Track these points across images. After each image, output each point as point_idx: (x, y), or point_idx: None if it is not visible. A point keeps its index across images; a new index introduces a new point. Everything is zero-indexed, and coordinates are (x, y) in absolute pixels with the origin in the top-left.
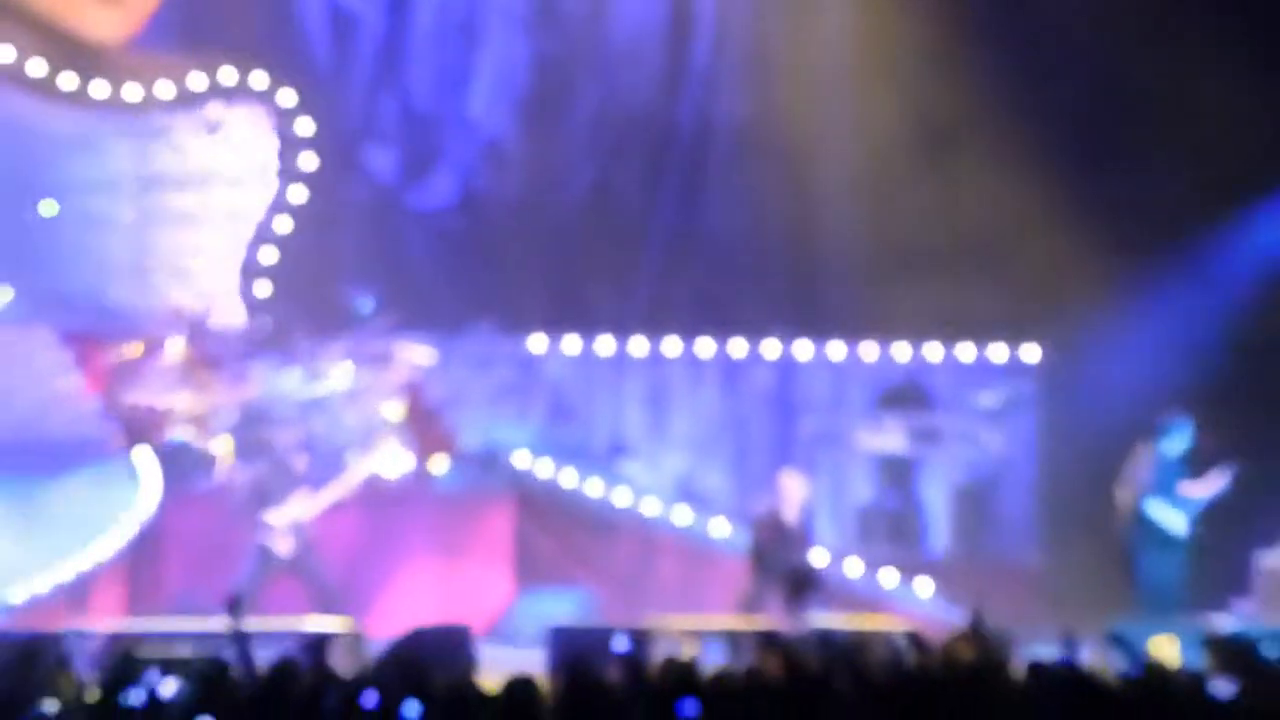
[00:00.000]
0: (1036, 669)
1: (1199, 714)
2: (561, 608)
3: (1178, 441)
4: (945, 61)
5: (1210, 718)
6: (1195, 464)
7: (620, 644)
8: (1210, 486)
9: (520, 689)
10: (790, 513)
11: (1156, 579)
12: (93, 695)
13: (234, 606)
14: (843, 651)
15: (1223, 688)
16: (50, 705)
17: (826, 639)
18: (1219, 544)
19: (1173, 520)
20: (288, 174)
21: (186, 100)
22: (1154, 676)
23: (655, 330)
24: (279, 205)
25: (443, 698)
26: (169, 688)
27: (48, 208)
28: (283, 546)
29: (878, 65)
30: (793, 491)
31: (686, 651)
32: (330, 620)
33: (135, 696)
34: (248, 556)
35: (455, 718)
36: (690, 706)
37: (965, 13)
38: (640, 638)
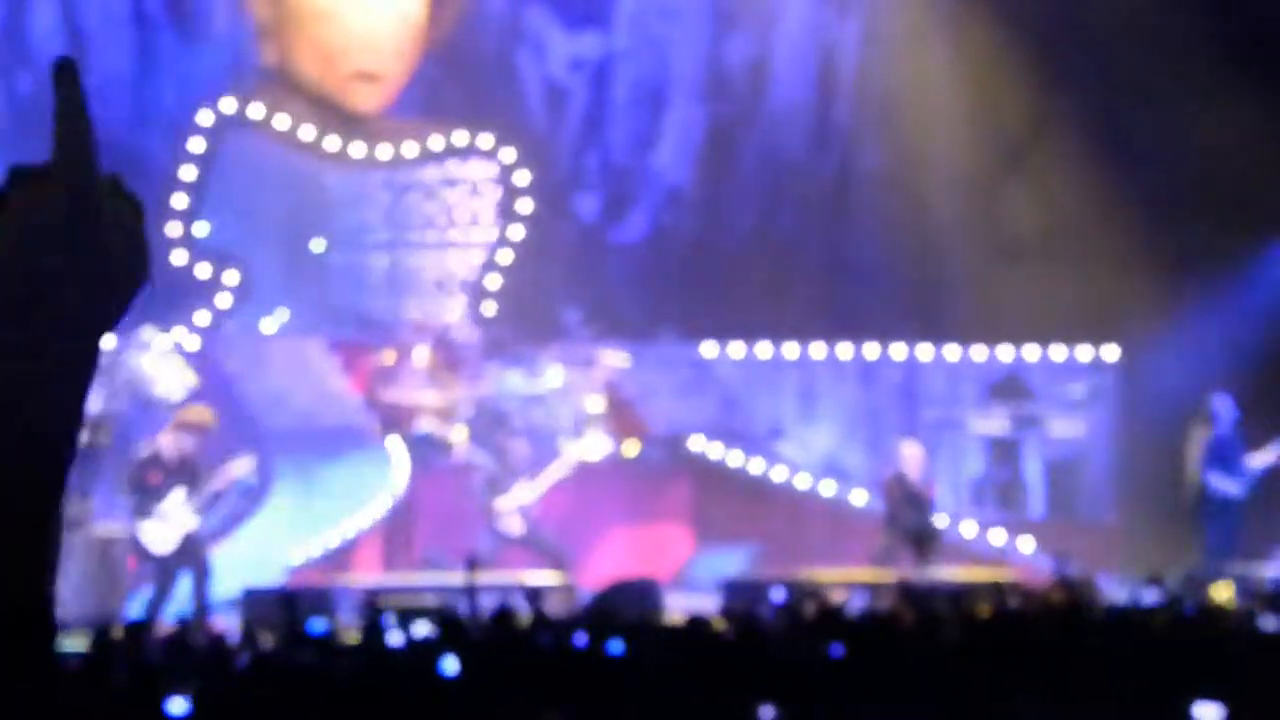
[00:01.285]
0: (1114, 611)
1: (1248, 644)
2: (731, 562)
3: (1225, 418)
4: (1031, 86)
5: (1258, 647)
6: (1252, 437)
7: (778, 595)
8: (1270, 456)
9: (698, 625)
10: (911, 474)
11: (1215, 538)
12: (354, 637)
13: (471, 566)
14: (958, 597)
15: (1269, 622)
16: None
17: (946, 588)
18: (1264, 503)
19: (1228, 487)
20: (508, 216)
21: (427, 157)
22: (1213, 615)
23: (805, 337)
24: (502, 241)
25: (637, 633)
26: (421, 629)
27: (317, 245)
28: (514, 527)
29: (977, 99)
30: (911, 456)
31: (834, 598)
32: (548, 575)
33: (393, 637)
34: (484, 532)
35: (647, 649)
36: (837, 649)
37: (1046, 61)
38: (795, 587)
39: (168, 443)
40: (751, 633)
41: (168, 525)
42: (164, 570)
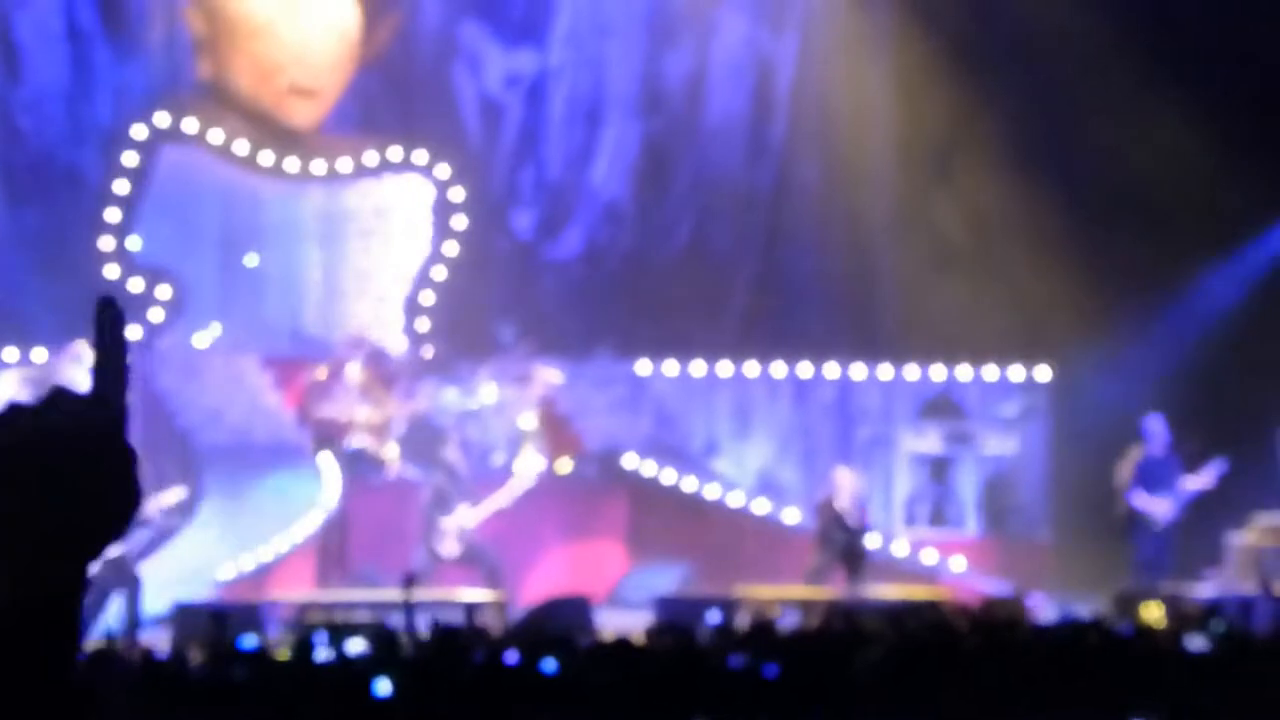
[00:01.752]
0: (1047, 628)
1: (1177, 664)
2: (665, 580)
3: (1157, 439)
4: (964, 102)
5: (1186, 666)
6: (1185, 460)
7: (713, 616)
8: (1205, 479)
9: (628, 643)
10: (843, 500)
11: (1144, 557)
12: (284, 654)
13: (408, 583)
14: (889, 615)
15: (1194, 643)
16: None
17: (877, 605)
18: (1196, 524)
19: (1156, 507)
20: (443, 232)
21: (362, 173)
22: (1143, 634)
23: (739, 355)
24: (436, 257)
25: (569, 651)
26: (355, 646)
27: (251, 260)
28: (450, 549)
29: (911, 115)
30: (845, 482)
31: (767, 614)
32: (481, 592)
33: (323, 654)
34: (421, 549)
35: (579, 666)
36: (771, 667)
37: (980, 79)
38: (729, 604)
39: None
40: (685, 649)
41: None
42: (94, 589)
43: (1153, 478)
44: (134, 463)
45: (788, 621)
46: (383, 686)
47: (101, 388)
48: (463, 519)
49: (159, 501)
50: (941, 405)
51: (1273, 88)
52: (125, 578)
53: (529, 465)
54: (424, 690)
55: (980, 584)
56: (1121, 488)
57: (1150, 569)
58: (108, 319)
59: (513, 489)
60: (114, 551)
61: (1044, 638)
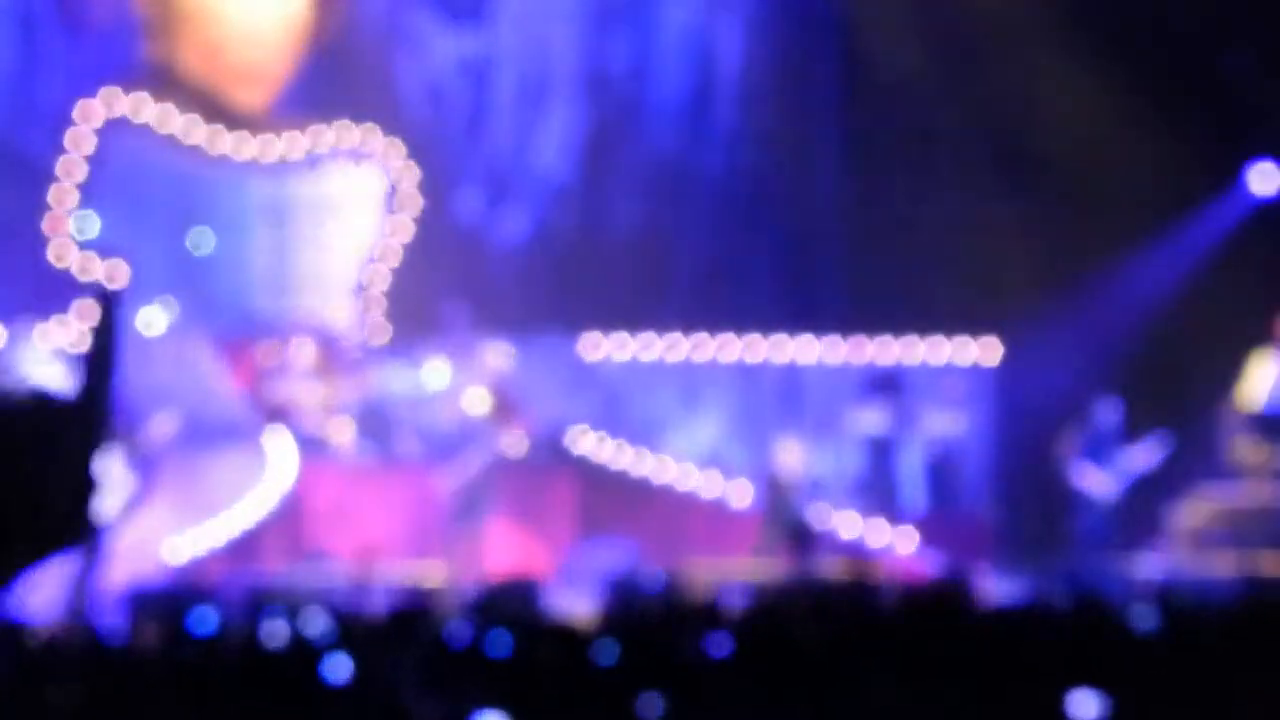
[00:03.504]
0: (996, 608)
1: (1123, 639)
2: (613, 560)
3: (1104, 417)
4: (913, 98)
5: (1132, 643)
6: (1130, 436)
7: (657, 583)
8: (1148, 455)
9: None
10: (788, 473)
11: (1084, 531)
12: (239, 634)
13: (363, 561)
14: (835, 592)
15: (1141, 617)
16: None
17: (824, 583)
18: (1137, 499)
19: (1098, 481)
20: (392, 212)
21: (311, 155)
22: (1089, 608)
23: (687, 333)
24: (385, 239)
25: (522, 631)
26: (313, 627)
27: (200, 236)
28: None
29: (861, 109)
30: (791, 458)
31: (711, 591)
32: (433, 570)
33: (278, 635)
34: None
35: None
36: (719, 641)
37: (927, 59)
38: (675, 580)
39: None
40: (631, 627)
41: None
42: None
43: (1096, 453)
44: (85, 462)
45: (735, 599)
46: (340, 669)
47: (88, 378)
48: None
49: (158, 426)
50: (887, 384)
51: (1210, 68)
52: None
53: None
54: (380, 671)
55: (926, 563)
56: (1064, 461)
57: (1091, 543)
58: (104, 312)
59: (468, 469)
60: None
61: (990, 614)
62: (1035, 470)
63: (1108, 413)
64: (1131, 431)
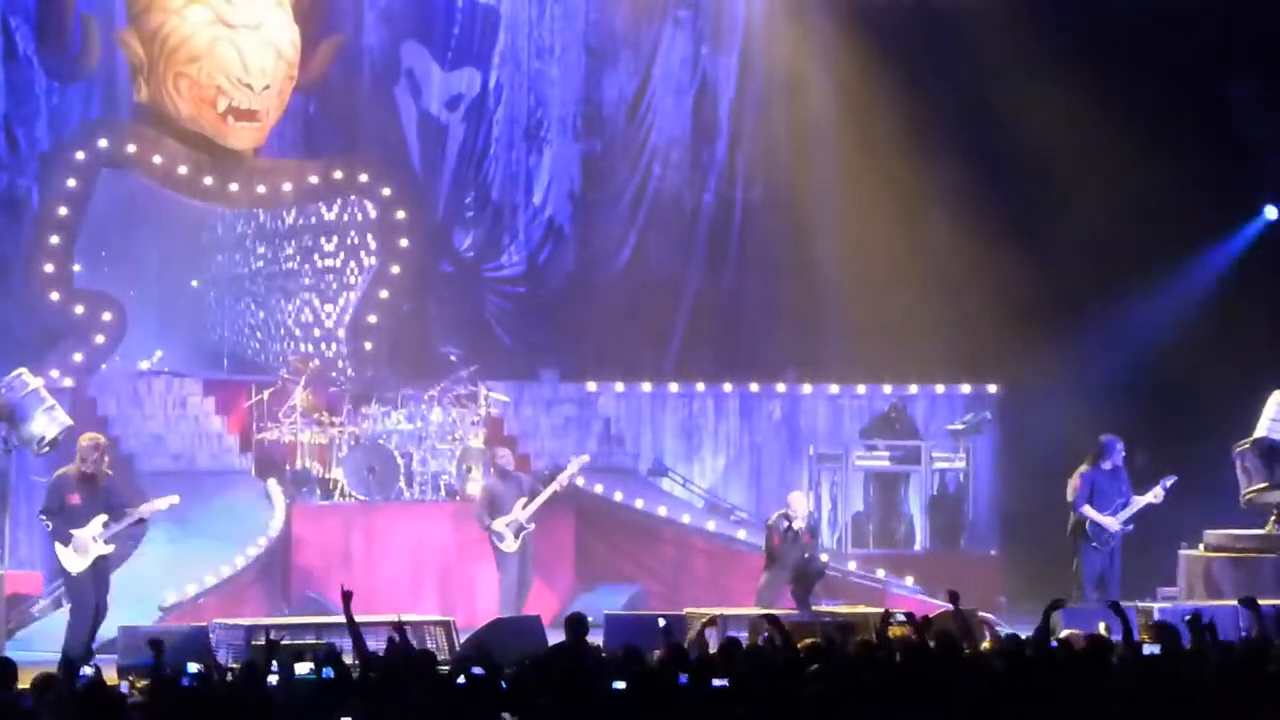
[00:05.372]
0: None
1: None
2: (614, 599)
3: (1111, 457)
4: (913, 141)
5: (1137, 677)
6: (1135, 476)
7: (661, 629)
8: (1154, 495)
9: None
10: (796, 521)
11: (1091, 572)
12: (234, 675)
13: (348, 600)
14: (839, 630)
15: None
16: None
17: (827, 622)
18: (1148, 542)
19: (1104, 523)
20: (386, 252)
21: (304, 195)
22: (1097, 647)
23: (686, 373)
24: (380, 278)
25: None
26: (302, 668)
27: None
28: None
29: (858, 150)
30: (798, 505)
31: (715, 632)
32: (427, 613)
33: (272, 675)
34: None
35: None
36: (718, 681)
37: (924, 101)
38: (677, 623)
39: (78, 469)
40: (635, 664)
41: (83, 552)
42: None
43: (1102, 492)
44: None
45: (734, 638)
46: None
47: None
48: (519, 514)
49: (152, 505)
50: (890, 422)
51: (1211, 114)
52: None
53: (477, 486)
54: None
55: (929, 600)
56: (1071, 500)
57: (1098, 584)
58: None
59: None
60: (107, 549)
61: (998, 653)
62: (1040, 509)
63: (1118, 453)
64: (1138, 470)
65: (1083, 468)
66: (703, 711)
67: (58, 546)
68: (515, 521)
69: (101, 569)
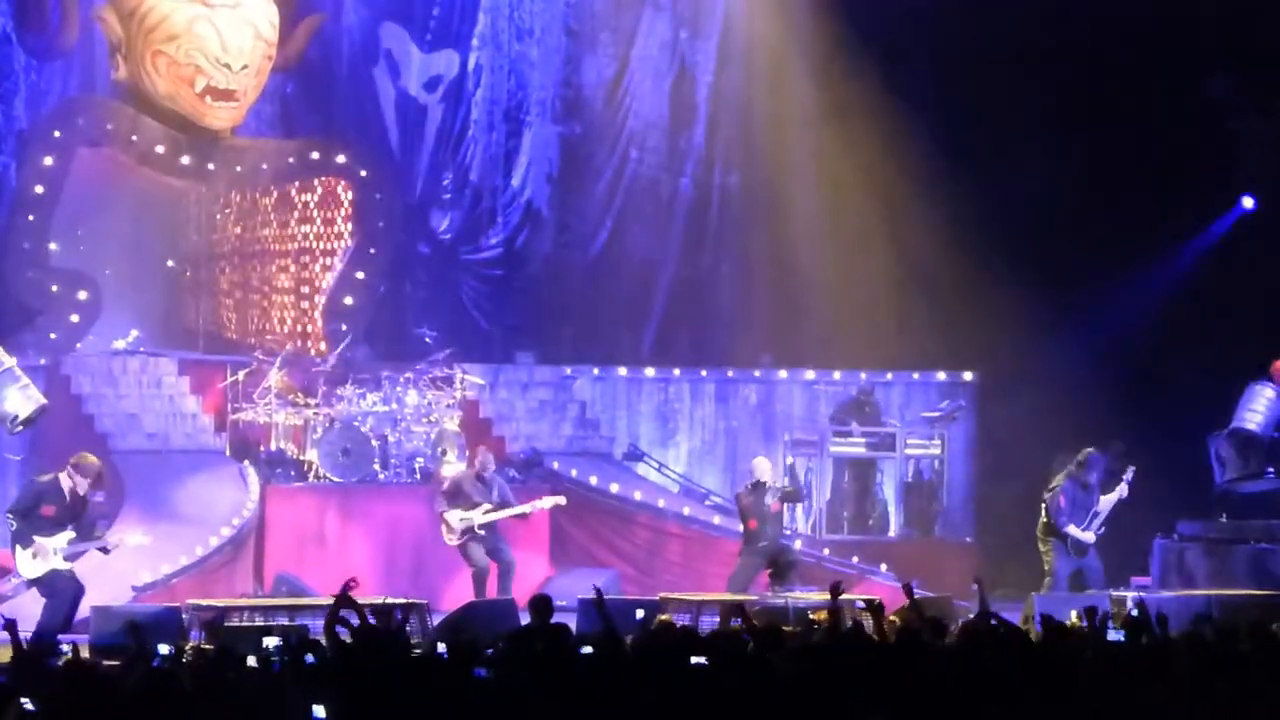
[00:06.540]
0: (968, 628)
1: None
2: (588, 584)
3: (1092, 473)
4: (891, 130)
5: (1110, 665)
6: (1105, 480)
7: (637, 614)
8: (1117, 493)
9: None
10: (763, 479)
11: (1064, 573)
12: (207, 654)
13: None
14: (808, 616)
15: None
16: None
17: (801, 607)
18: (1122, 535)
19: (1084, 539)
20: (363, 233)
21: (281, 175)
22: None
23: (662, 357)
24: (357, 259)
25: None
26: (270, 642)
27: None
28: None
29: (836, 138)
30: (760, 466)
31: (688, 618)
32: (399, 597)
33: (245, 654)
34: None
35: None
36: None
37: (900, 89)
38: (652, 607)
39: (65, 481)
40: (610, 648)
41: (42, 559)
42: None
43: (1078, 506)
44: None
45: (706, 624)
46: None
47: None
48: (474, 517)
49: (121, 537)
50: (865, 408)
51: (1188, 107)
52: (60, 589)
53: (452, 469)
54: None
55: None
56: (1052, 520)
57: (1072, 581)
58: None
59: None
60: (64, 565)
61: (965, 640)
62: (1012, 494)
63: (1098, 470)
64: (1110, 470)
65: (1061, 480)
66: (681, 688)
67: (16, 549)
68: (469, 521)
69: (53, 578)
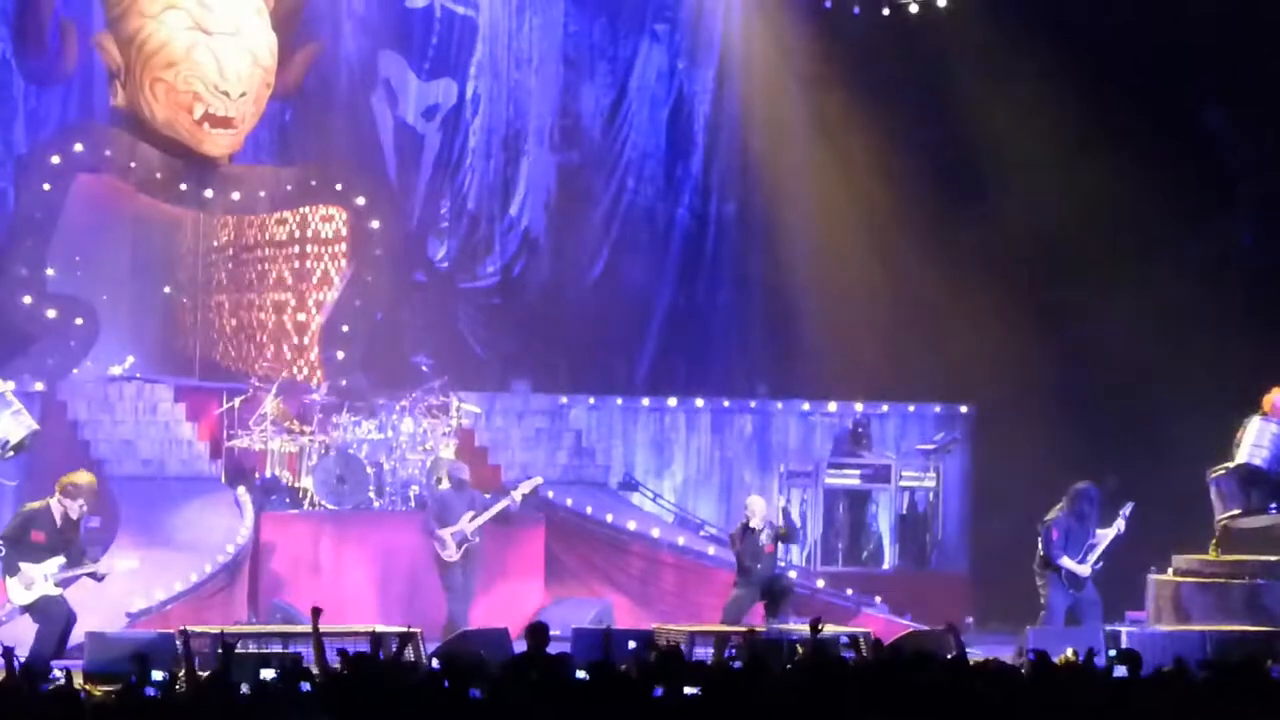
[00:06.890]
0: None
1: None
2: (582, 614)
3: (1086, 507)
4: (889, 163)
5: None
6: (1101, 504)
7: (630, 644)
8: (1116, 527)
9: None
10: (753, 520)
11: (1058, 609)
12: (202, 681)
13: (316, 614)
14: (807, 647)
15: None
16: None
17: (793, 639)
18: (1117, 570)
19: (1079, 572)
20: (360, 261)
21: (278, 202)
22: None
23: (658, 387)
24: (353, 286)
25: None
26: (267, 674)
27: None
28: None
29: (834, 170)
30: (754, 505)
31: (682, 647)
32: (393, 625)
33: (239, 681)
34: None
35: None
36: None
37: (898, 122)
38: (646, 637)
39: (55, 507)
40: (606, 676)
41: (32, 586)
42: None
43: (1074, 539)
44: None
45: (701, 654)
46: None
47: None
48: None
49: (112, 564)
50: (860, 439)
51: (1185, 138)
52: (51, 617)
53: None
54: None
55: (896, 620)
56: (1046, 553)
57: (1069, 615)
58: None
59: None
60: (55, 591)
61: (963, 670)
62: (1007, 526)
63: (1091, 504)
64: (1107, 495)
65: (1055, 514)
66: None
67: (6, 577)
68: (460, 532)
69: (45, 604)
